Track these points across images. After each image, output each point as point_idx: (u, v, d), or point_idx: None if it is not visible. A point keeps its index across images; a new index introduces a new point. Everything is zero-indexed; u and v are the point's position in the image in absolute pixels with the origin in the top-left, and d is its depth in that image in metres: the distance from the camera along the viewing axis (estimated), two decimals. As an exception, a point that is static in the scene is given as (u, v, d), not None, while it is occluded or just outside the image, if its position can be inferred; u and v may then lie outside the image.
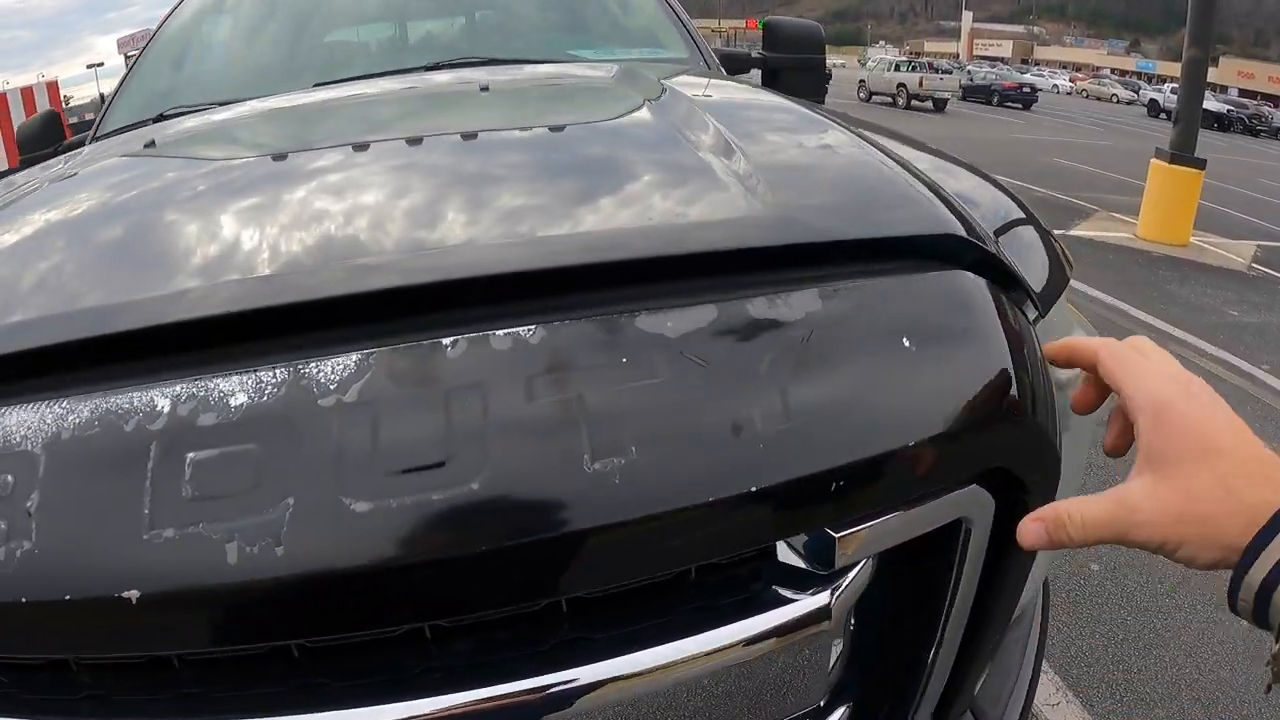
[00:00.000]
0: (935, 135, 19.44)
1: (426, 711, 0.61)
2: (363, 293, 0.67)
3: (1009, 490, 0.74)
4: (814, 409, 0.64)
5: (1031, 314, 0.88)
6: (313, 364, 0.62)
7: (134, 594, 0.54)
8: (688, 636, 0.66)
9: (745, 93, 1.56)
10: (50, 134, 2.45)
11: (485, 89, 1.53)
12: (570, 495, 0.58)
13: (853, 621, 0.80)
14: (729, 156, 0.95)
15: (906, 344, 0.68)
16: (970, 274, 0.77)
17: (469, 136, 1.17)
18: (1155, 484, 0.57)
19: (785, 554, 0.72)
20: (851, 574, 0.72)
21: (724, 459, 0.61)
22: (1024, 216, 1.08)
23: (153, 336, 0.66)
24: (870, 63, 36.01)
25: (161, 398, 0.61)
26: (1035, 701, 2.29)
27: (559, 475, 0.58)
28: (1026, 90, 33.33)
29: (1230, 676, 2.47)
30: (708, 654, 0.66)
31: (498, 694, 0.62)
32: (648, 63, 2.13)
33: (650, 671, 0.65)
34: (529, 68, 1.89)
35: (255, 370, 0.62)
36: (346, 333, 0.66)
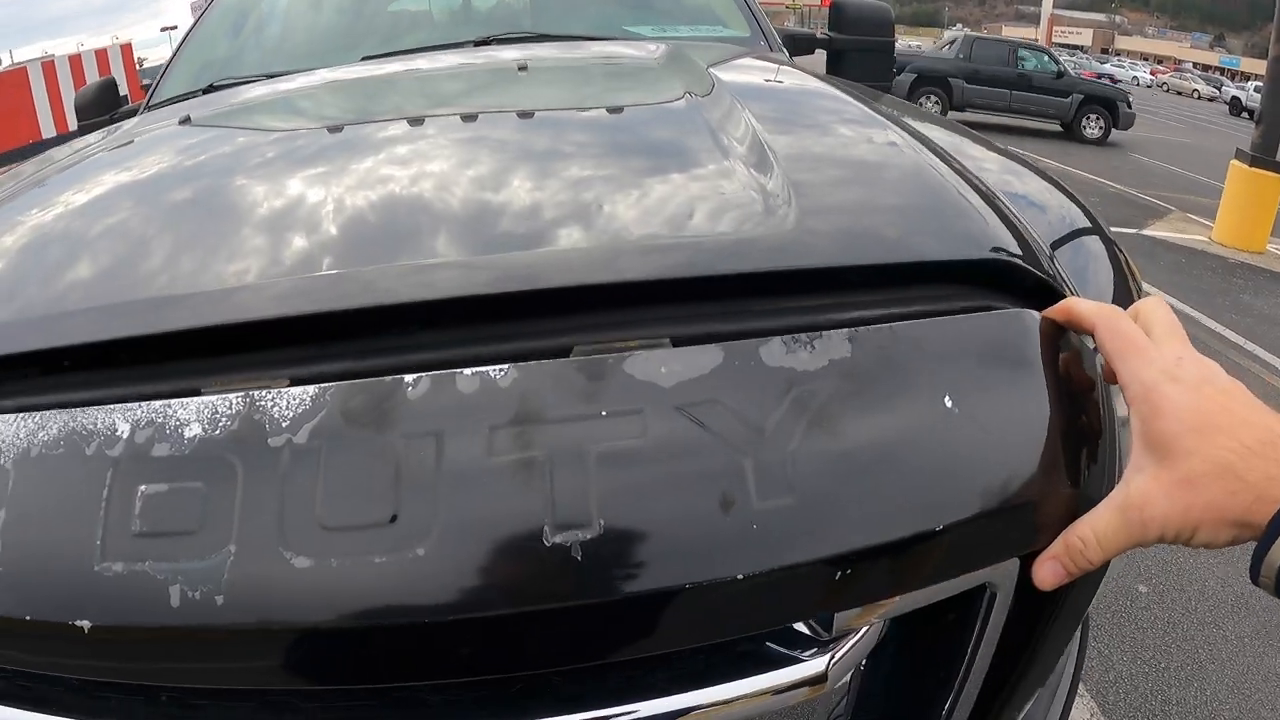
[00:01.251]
0: (1006, 124, 18.98)
1: None
2: (294, 316, 0.64)
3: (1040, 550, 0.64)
4: (825, 482, 0.56)
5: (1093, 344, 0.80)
6: (269, 397, 0.59)
7: (85, 624, 0.53)
8: (672, 694, 0.61)
9: (796, 83, 1.44)
10: (106, 101, 2.46)
11: (523, 69, 1.46)
12: (522, 571, 0.53)
13: (859, 679, 0.74)
14: (761, 164, 0.86)
15: (948, 404, 0.59)
16: (1028, 312, 0.66)
17: (489, 122, 1.12)
18: (1155, 475, 0.55)
19: (798, 625, 0.66)
20: (854, 639, 0.65)
21: (705, 539, 0.54)
22: (1090, 226, 0.99)
23: (120, 349, 0.65)
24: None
25: (124, 419, 0.59)
26: (1068, 727, 2.23)
27: (513, 547, 0.53)
28: (1107, 82, 32.29)
29: (1273, 717, 2.37)
30: (691, 710, 0.61)
31: None
32: (705, 42, 2.04)
33: None
34: (578, 46, 1.83)
35: (213, 398, 0.59)
36: (298, 353, 0.64)
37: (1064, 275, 0.78)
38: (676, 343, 0.61)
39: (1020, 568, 0.65)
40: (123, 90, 2.66)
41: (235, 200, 0.91)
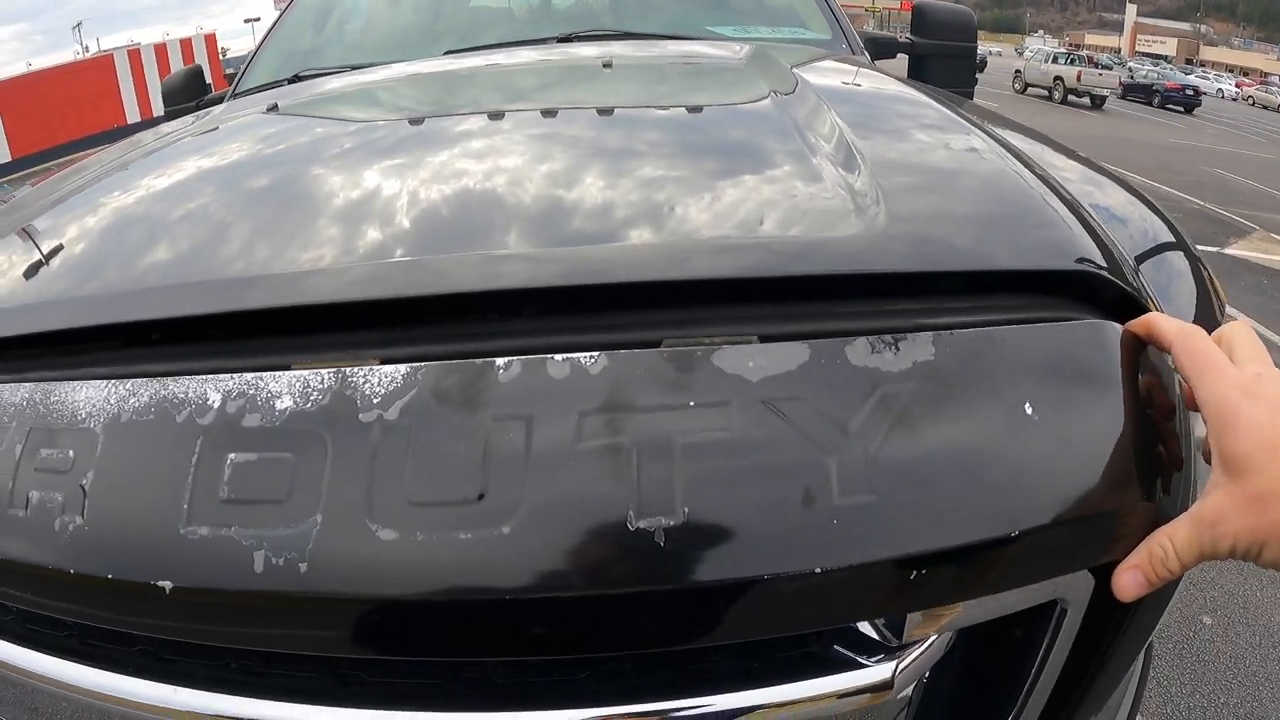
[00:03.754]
0: (1090, 134, 18.61)
1: None
2: (412, 296, 0.66)
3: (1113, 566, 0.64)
4: (906, 483, 0.56)
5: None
6: (360, 373, 0.61)
7: (167, 585, 0.56)
8: (737, 690, 0.62)
9: (882, 85, 1.44)
10: (192, 88, 2.55)
11: (608, 65, 1.47)
12: (606, 553, 0.54)
13: (919, 694, 0.74)
14: (848, 165, 0.87)
15: (1029, 411, 0.59)
16: (1110, 324, 0.66)
17: (576, 118, 1.14)
18: (1228, 490, 0.56)
19: (867, 630, 0.66)
20: (922, 647, 0.65)
21: (786, 532, 0.54)
22: (1174, 241, 0.97)
23: (215, 324, 0.68)
24: (1028, 53, 34.65)
25: (215, 390, 0.61)
26: (1121, 759, 2.19)
27: (598, 530, 0.54)
28: (1190, 93, 31.33)
29: None
30: (753, 709, 0.62)
31: None
32: (787, 44, 2.04)
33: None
34: (660, 44, 1.84)
35: (305, 372, 0.62)
36: (392, 334, 0.65)
37: (1148, 289, 0.77)
38: (764, 339, 0.62)
39: (1094, 586, 0.66)
40: (206, 79, 2.75)
41: (325, 185, 0.94)
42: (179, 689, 0.65)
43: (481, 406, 0.58)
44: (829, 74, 1.48)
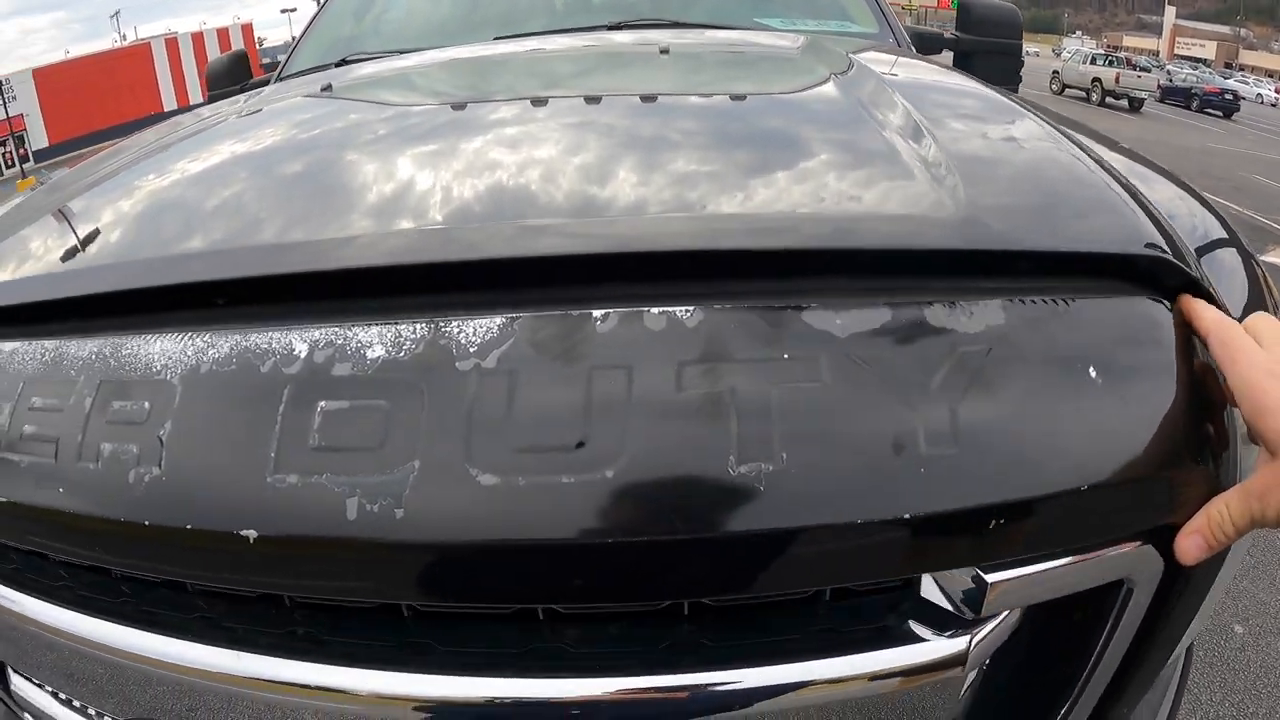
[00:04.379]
0: (1128, 136, 18.28)
1: (524, 694, 0.61)
2: (512, 257, 0.67)
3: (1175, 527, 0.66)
4: (984, 434, 0.58)
5: None
6: (454, 324, 0.61)
7: (250, 534, 0.56)
8: (811, 659, 0.63)
9: (938, 74, 1.46)
10: (237, 72, 2.59)
11: (665, 51, 1.48)
12: (709, 497, 0.55)
13: (985, 669, 0.73)
14: (918, 141, 0.88)
15: (1093, 374, 0.61)
16: (1167, 306, 0.69)
17: (645, 99, 1.14)
18: (1271, 466, 0.59)
19: (929, 589, 0.65)
20: (995, 621, 0.66)
21: (880, 479, 0.56)
22: (1226, 236, 0.98)
23: (299, 281, 0.69)
24: (1066, 53, 34.35)
25: (301, 341, 0.62)
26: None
27: (700, 474, 0.55)
28: (1229, 97, 30.88)
29: None
30: (828, 682, 0.62)
31: (593, 689, 0.61)
32: (835, 36, 2.05)
33: (763, 690, 0.62)
34: (711, 32, 1.86)
35: (396, 324, 0.62)
36: (493, 296, 0.65)
37: (1208, 277, 0.77)
38: (850, 303, 0.64)
39: (1164, 572, 0.67)
40: (249, 64, 2.79)
41: (390, 155, 0.97)
42: (241, 654, 0.65)
43: (580, 357, 0.59)
44: (885, 63, 1.49)
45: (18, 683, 0.94)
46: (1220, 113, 30.48)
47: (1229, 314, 0.71)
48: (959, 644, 0.63)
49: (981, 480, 0.57)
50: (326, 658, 0.64)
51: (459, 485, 0.55)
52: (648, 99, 1.14)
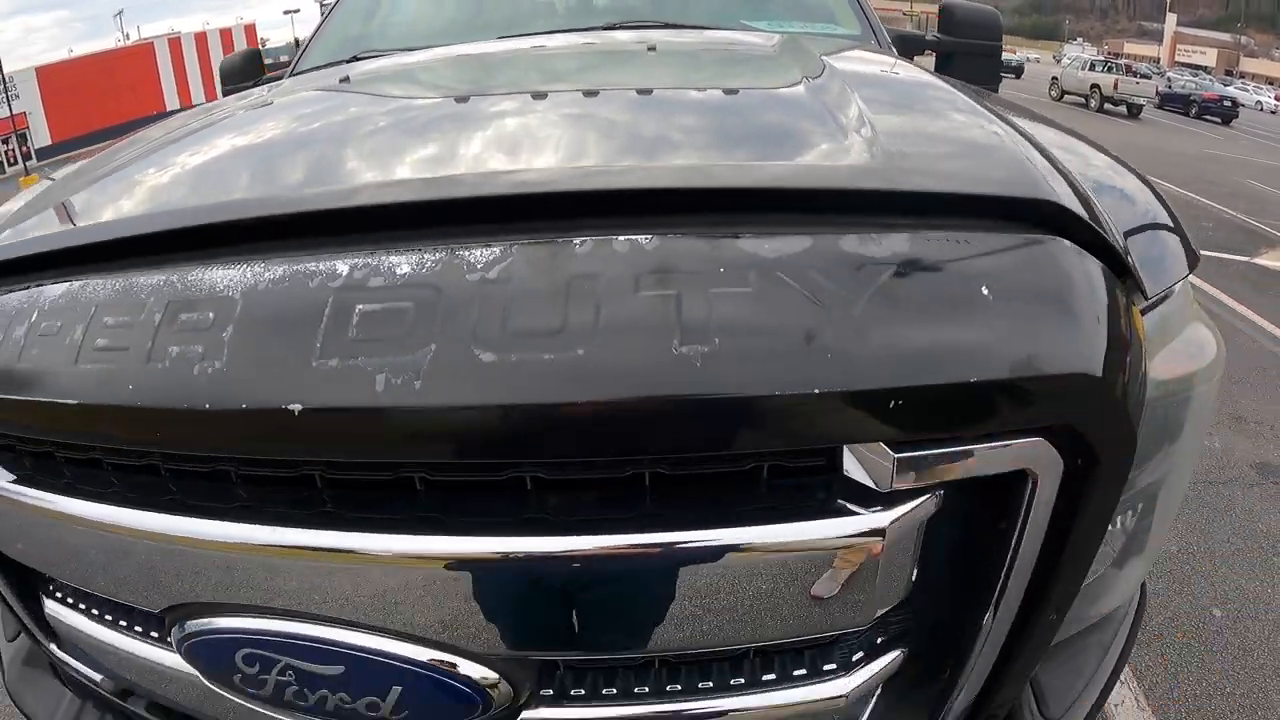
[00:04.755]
0: (1124, 141, 18.43)
1: (514, 549, 0.74)
2: (509, 194, 0.83)
3: (1079, 456, 0.77)
4: (883, 332, 0.70)
5: (1140, 299, 0.91)
6: (465, 248, 0.76)
7: (297, 407, 0.69)
8: (753, 525, 0.74)
9: (892, 67, 1.62)
10: (250, 69, 2.78)
11: (652, 49, 1.70)
12: (657, 370, 0.67)
13: (915, 570, 0.83)
14: (856, 117, 1.04)
15: (985, 292, 0.72)
16: (1063, 241, 0.79)
17: (633, 86, 1.35)
18: None
19: (852, 468, 0.76)
20: (913, 502, 0.76)
21: (795, 361, 0.68)
22: (1151, 203, 1.09)
23: (340, 216, 0.84)
24: (1065, 60, 34.49)
25: (342, 264, 0.76)
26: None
27: (650, 352, 0.68)
28: (1227, 104, 31.01)
29: None
30: (767, 545, 0.75)
31: (571, 545, 0.74)
32: (817, 37, 2.19)
33: (712, 549, 0.74)
34: (699, 33, 2.04)
35: (420, 249, 0.77)
36: (494, 227, 0.79)
37: (1111, 225, 0.89)
38: (777, 231, 0.77)
39: (1064, 469, 0.77)
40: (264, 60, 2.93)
41: (405, 127, 1.19)
42: (276, 529, 0.78)
43: (561, 269, 0.73)
44: (851, 59, 1.67)
45: (52, 608, 1.06)
46: (1218, 119, 30.58)
47: (1132, 263, 0.88)
48: (879, 519, 0.74)
49: (879, 366, 0.68)
50: (349, 527, 0.77)
51: (465, 362, 0.68)
52: (635, 86, 1.34)
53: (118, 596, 0.95)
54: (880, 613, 0.82)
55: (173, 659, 0.94)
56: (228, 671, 0.88)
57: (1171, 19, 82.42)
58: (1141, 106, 27.47)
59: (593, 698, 0.86)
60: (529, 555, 0.74)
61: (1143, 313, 0.91)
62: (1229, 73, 74.11)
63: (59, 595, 1.08)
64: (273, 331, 0.73)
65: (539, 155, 0.99)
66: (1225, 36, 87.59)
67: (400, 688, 0.82)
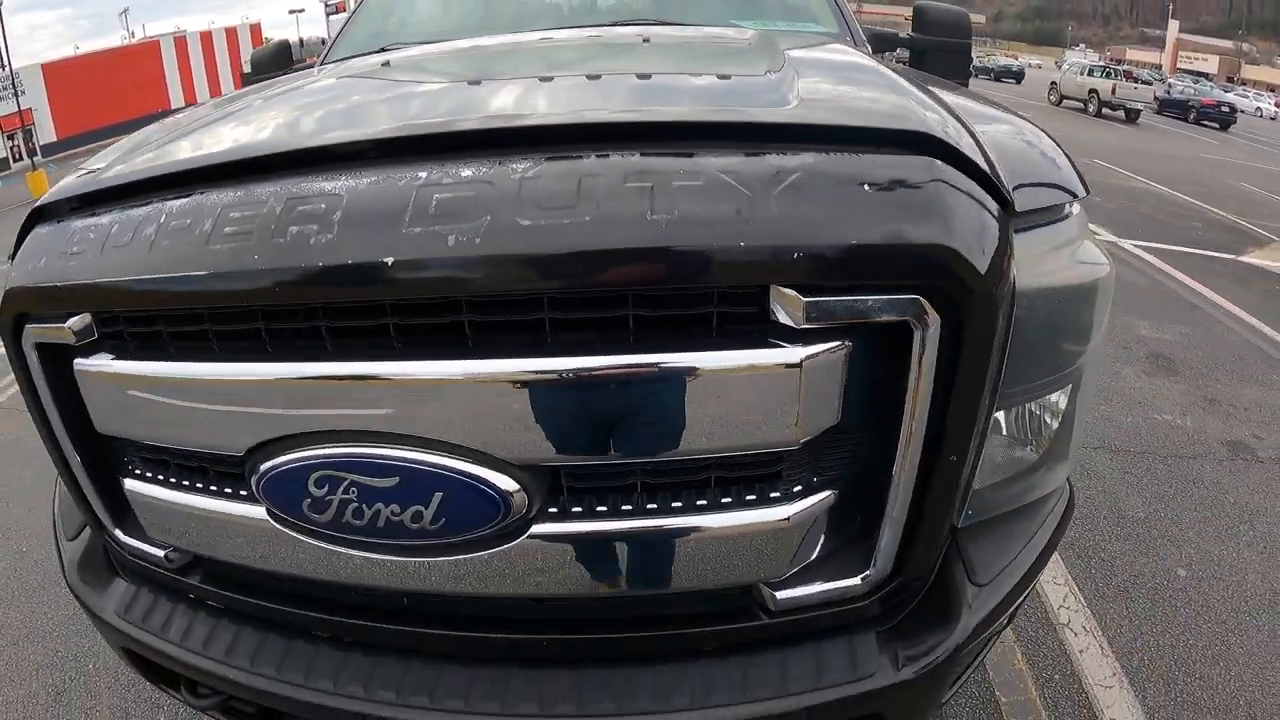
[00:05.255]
0: (1117, 145, 18.63)
1: (542, 368, 1.00)
2: (541, 125, 1.16)
3: (950, 313, 1.02)
4: (791, 210, 0.97)
5: (1012, 209, 1.15)
6: (510, 162, 1.04)
7: (390, 259, 0.96)
8: (706, 351, 1.01)
9: (840, 55, 1.91)
10: (280, 60, 3.11)
11: (647, 40, 2.06)
12: (637, 227, 0.96)
13: (839, 405, 1.07)
14: (793, 83, 1.32)
15: (866, 188, 1.01)
16: (932, 159, 1.06)
17: (631, 59, 1.79)
18: None
19: (777, 313, 1.01)
20: (825, 344, 1.01)
21: (728, 224, 0.96)
22: (1049, 151, 1.39)
23: (417, 142, 1.12)
24: (1065, 65, 34.66)
25: (422, 171, 1.05)
26: (1087, 680, 2.42)
27: (632, 217, 0.97)
28: (1225, 110, 31.14)
29: None
30: (716, 367, 1.00)
31: (571, 365, 1.00)
32: (792, 33, 2.50)
33: (671, 369, 1.00)
34: (687, 29, 2.38)
35: (477, 163, 1.05)
36: (529, 148, 1.08)
37: (980, 152, 1.16)
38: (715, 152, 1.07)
39: (942, 325, 1.02)
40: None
41: (448, 88, 1.62)
42: (354, 363, 1.03)
43: (576, 170, 1.02)
44: (808, 47, 1.97)
45: (132, 485, 1.29)
46: (1217, 125, 30.68)
47: (983, 169, 1.11)
48: (796, 352, 1.00)
49: (784, 230, 0.97)
50: (414, 357, 1.03)
51: (510, 227, 0.97)
52: (632, 59, 1.78)
53: (211, 447, 1.17)
54: (807, 435, 1.06)
55: (243, 508, 1.18)
56: (299, 498, 1.10)
57: (1174, 25, 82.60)
58: (1139, 111, 27.53)
59: (587, 516, 1.10)
60: (547, 372, 1.00)
61: (1035, 227, 1.23)
62: (1230, 79, 74.19)
63: (139, 472, 1.29)
64: (372, 213, 1.00)
65: (560, 105, 1.37)
66: (1227, 43, 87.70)
67: (441, 494, 1.05)
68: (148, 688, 2.31)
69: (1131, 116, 27.28)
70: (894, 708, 1.20)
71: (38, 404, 1.28)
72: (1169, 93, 34.21)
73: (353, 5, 3.14)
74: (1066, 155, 1.38)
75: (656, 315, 1.00)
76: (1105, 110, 27.59)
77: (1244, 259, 8.32)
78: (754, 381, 1.01)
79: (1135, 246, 8.23)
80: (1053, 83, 32.08)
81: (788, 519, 1.10)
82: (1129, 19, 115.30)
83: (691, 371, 0.99)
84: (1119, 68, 32.80)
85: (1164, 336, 5.63)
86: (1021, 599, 1.32)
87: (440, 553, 1.11)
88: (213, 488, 1.23)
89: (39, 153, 26.30)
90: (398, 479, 1.05)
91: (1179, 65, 78.82)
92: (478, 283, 0.97)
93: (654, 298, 1.00)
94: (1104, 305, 1.35)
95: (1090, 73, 29.65)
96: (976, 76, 50.52)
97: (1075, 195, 1.34)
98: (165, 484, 1.26)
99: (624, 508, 1.10)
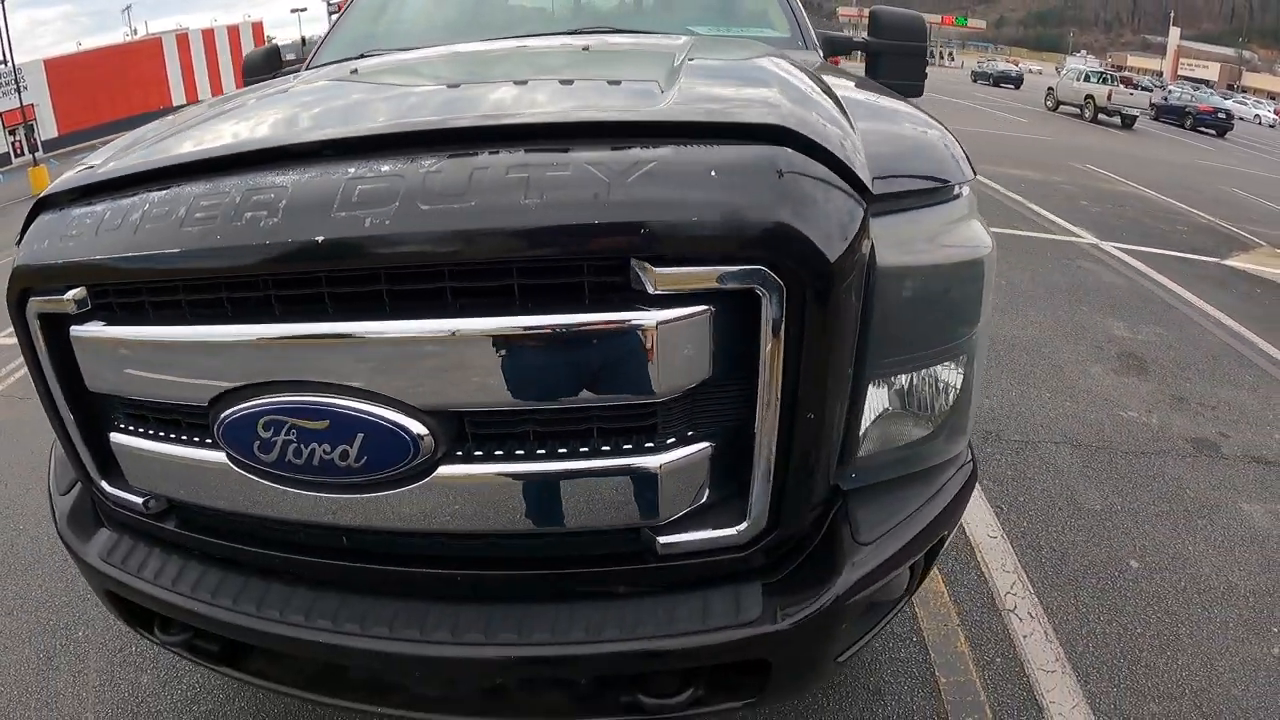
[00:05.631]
0: (1109, 150, 18.69)
1: (443, 328, 1.16)
2: (443, 129, 1.31)
3: (793, 283, 1.14)
4: (645, 192, 1.13)
5: (869, 194, 1.26)
6: (417, 159, 1.22)
7: (320, 238, 1.15)
8: (578, 314, 1.15)
9: (751, 56, 2.01)
10: (271, 63, 3.33)
11: (587, 48, 2.23)
12: (513, 210, 1.12)
13: (709, 364, 1.20)
14: (675, 85, 1.48)
15: (713, 174, 1.15)
16: (785, 149, 1.20)
17: (553, 70, 1.98)
18: None
19: (635, 280, 1.14)
20: (685, 309, 1.15)
21: (589, 205, 1.12)
22: (938, 141, 1.51)
23: (349, 144, 1.30)
24: (1064, 70, 34.72)
25: (351, 166, 1.23)
26: (1029, 664, 2.48)
27: (510, 202, 1.13)
28: (1222, 116, 31.13)
29: (1242, 696, 2.50)
30: (587, 325, 1.15)
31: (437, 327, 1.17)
32: (742, 39, 2.67)
33: (551, 327, 1.14)
34: (638, 36, 2.57)
35: (393, 160, 1.23)
36: (434, 148, 1.25)
37: (843, 144, 1.28)
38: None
39: (787, 296, 1.15)
40: (282, 56, 3.52)
41: (405, 89, 1.90)
42: (296, 324, 1.21)
43: (469, 164, 1.19)
44: (726, 51, 2.13)
45: (117, 439, 1.48)
46: (1213, 131, 30.69)
47: (840, 159, 1.23)
48: (652, 315, 1.14)
49: (637, 209, 1.12)
50: (342, 318, 1.20)
51: (414, 212, 1.14)
52: (555, 69, 1.99)
53: (182, 399, 1.35)
54: (670, 392, 1.20)
55: (207, 454, 1.37)
56: (251, 441, 1.28)
57: (1175, 33, 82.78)
58: (1135, 117, 27.55)
59: (488, 459, 1.26)
60: (443, 331, 1.16)
61: (911, 209, 1.36)
62: (1231, 86, 74.30)
63: (123, 426, 1.50)
64: (310, 199, 1.18)
65: (479, 109, 1.58)
66: (1229, 51, 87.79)
67: (362, 434, 1.22)
68: (132, 653, 2.54)
69: (1127, 122, 27.32)
70: (779, 656, 1.33)
71: (38, 368, 1.48)
72: (1166, 99, 34.25)
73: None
74: (959, 145, 1.51)
75: (540, 284, 1.15)
76: (1101, 116, 27.65)
77: (1227, 262, 8.36)
78: (617, 341, 1.16)
79: (1116, 249, 8.27)
80: (1049, 88, 32.17)
81: (659, 467, 1.24)
82: (1131, 25, 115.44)
83: (562, 331, 1.15)
84: (1115, 73, 32.87)
85: (1137, 337, 5.67)
86: (912, 562, 1.42)
87: (364, 490, 1.28)
88: (184, 437, 1.41)
89: (40, 148, 26.33)
90: (328, 422, 1.23)
91: (1180, 72, 78.97)
92: (388, 256, 1.15)
93: (538, 269, 1.15)
94: (987, 283, 1.44)
95: (1086, 78, 29.69)
96: (975, 81, 50.77)
97: (950, 181, 1.44)
98: (145, 435, 1.46)
99: (518, 452, 1.26)
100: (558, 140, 1.23)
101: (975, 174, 1.49)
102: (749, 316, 1.17)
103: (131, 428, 1.48)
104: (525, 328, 1.14)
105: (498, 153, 1.20)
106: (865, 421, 1.38)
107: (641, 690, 1.38)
